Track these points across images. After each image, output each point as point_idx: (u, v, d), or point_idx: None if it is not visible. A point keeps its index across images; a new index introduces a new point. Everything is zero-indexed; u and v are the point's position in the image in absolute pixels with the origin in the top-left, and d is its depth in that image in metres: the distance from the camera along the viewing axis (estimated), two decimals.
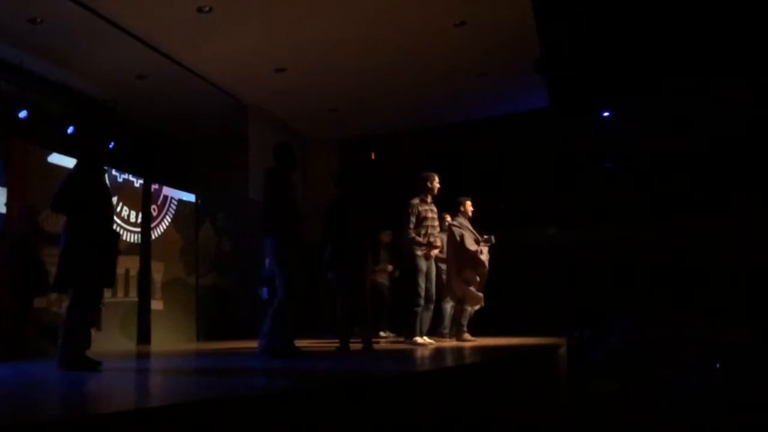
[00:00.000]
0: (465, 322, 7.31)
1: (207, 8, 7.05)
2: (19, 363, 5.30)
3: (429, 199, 6.79)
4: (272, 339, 5.09)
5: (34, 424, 2.22)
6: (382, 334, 8.52)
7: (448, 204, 7.50)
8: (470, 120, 10.94)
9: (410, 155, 11.35)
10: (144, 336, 8.06)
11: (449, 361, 4.94)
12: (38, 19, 6.87)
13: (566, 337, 7.46)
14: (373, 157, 11.96)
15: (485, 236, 7.24)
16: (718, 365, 7.01)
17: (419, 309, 6.50)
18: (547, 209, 10.17)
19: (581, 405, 6.37)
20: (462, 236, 7.04)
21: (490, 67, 9.08)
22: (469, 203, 7.46)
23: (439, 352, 5.71)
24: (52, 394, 3.44)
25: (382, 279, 8.62)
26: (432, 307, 6.75)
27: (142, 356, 6.41)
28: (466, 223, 7.31)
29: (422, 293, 6.51)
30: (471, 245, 7.04)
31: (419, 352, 5.62)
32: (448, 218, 7.62)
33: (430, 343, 6.57)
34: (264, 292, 7.79)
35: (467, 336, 7.18)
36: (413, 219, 6.61)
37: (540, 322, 8.10)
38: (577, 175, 10.58)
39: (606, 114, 10.73)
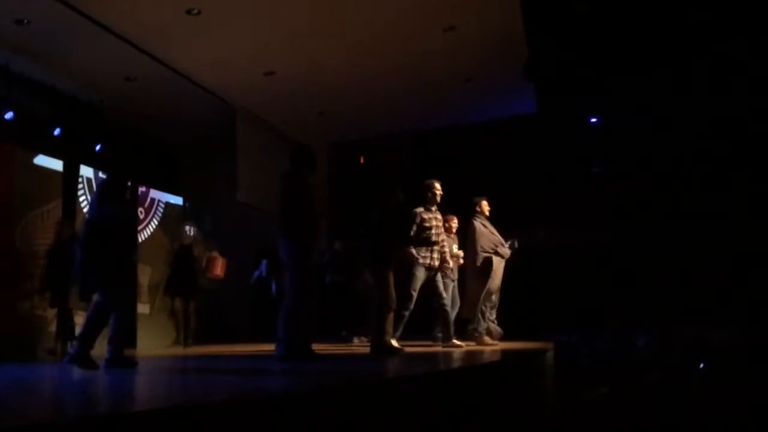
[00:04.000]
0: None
1: (196, 10, 7.03)
2: (7, 365, 5.26)
3: (433, 208, 6.69)
4: (289, 343, 5.02)
5: (41, 425, 2.19)
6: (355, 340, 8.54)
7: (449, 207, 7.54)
8: (459, 124, 10.97)
9: (399, 159, 11.36)
10: (129, 340, 8.00)
11: (436, 366, 4.93)
12: (25, 20, 6.82)
13: (554, 341, 7.46)
14: (362, 161, 11.96)
15: (509, 240, 7.25)
16: (702, 365, 7.05)
17: (406, 313, 6.47)
18: (535, 213, 10.20)
19: (569, 410, 6.38)
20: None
21: (479, 72, 9.12)
22: (485, 203, 7.36)
23: (425, 357, 5.70)
24: (59, 394, 3.45)
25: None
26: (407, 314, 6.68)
27: (140, 361, 6.34)
28: (485, 224, 7.27)
29: (413, 299, 6.47)
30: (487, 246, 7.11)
31: (403, 356, 5.61)
32: (454, 222, 7.61)
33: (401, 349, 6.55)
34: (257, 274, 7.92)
35: (456, 341, 7.18)
36: (414, 227, 6.53)
37: (527, 327, 8.10)
38: (565, 180, 10.62)
39: (593, 120, 10.79)
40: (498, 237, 7.26)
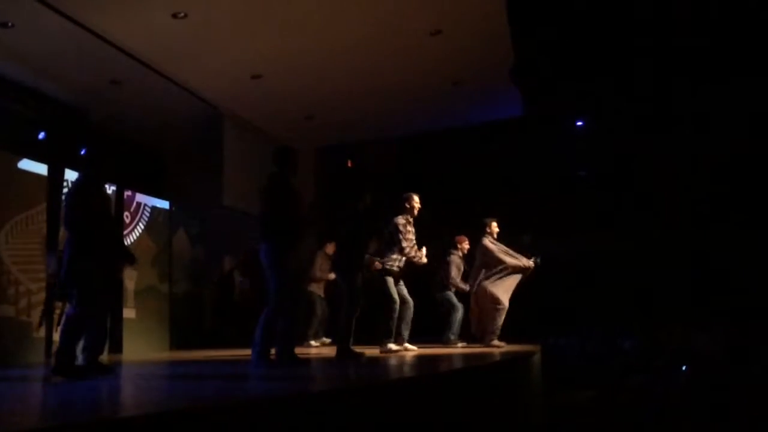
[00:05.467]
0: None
1: (182, 14, 7.00)
2: None
3: (411, 220, 6.70)
4: (262, 348, 4.99)
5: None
6: (313, 343, 8.55)
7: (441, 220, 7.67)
8: (446, 128, 11.00)
9: (387, 163, 11.37)
10: (116, 345, 7.95)
11: (421, 370, 4.93)
12: (9, 23, 6.77)
13: (541, 344, 7.50)
14: (349, 164, 11.95)
15: (532, 257, 7.46)
16: (684, 368, 7.12)
17: (394, 314, 6.48)
18: (522, 217, 10.23)
19: (555, 412, 6.41)
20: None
21: (466, 76, 9.15)
22: (494, 224, 7.51)
23: (412, 361, 5.70)
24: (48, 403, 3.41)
25: (315, 289, 8.68)
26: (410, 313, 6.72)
27: (127, 365, 6.29)
28: (495, 243, 7.43)
29: (396, 299, 6.48)
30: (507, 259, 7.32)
31: (391, 361, 5.61)
32: (466, 243, 7.73)
33: (403, 350, 6.57)
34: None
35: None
36: (401, 237, 6.51)
37: (514, 330, 8.14)
38: (552, 183, 10.67)
39: (579, 123, 10.85)
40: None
